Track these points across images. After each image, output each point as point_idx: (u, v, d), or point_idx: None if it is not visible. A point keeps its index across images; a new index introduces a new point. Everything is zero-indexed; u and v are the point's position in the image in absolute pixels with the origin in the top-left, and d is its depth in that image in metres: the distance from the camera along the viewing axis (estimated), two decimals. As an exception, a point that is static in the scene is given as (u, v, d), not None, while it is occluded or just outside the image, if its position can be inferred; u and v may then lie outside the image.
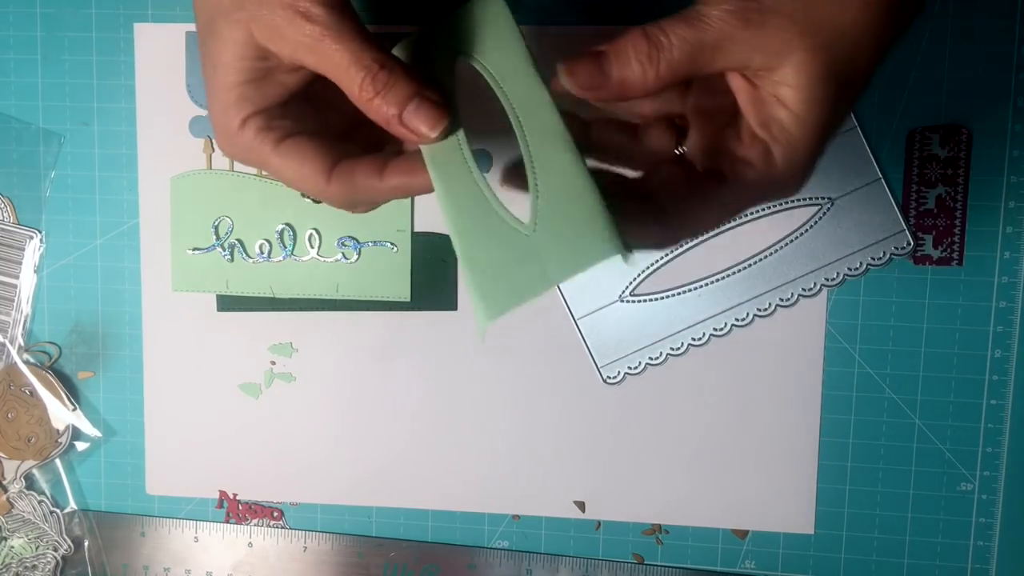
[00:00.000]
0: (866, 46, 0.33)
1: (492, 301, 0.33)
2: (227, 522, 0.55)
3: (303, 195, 0.40)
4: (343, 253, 0.52)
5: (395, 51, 0.38)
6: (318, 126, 0.39)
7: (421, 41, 0.38)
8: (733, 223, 0.50)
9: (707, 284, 0.51)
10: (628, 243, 0.34)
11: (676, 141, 0.38)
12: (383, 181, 0.37)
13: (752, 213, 0.50)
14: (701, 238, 0.50)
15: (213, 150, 0.52)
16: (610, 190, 0.34)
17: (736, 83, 0.35)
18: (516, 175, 0.36)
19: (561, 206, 0.34)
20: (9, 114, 0.53)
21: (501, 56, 0.36)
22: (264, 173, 0.51)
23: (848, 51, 0.33)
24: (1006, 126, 0.48)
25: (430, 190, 0.37)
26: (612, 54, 0.33)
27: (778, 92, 0.33)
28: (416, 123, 0.35)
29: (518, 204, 0.35)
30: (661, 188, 0.36)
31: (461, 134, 0.35)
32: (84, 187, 0.53)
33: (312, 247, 0.52)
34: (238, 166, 0.52)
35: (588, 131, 0.39)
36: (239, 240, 0.52)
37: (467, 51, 0.37)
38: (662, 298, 0.51)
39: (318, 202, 0.40)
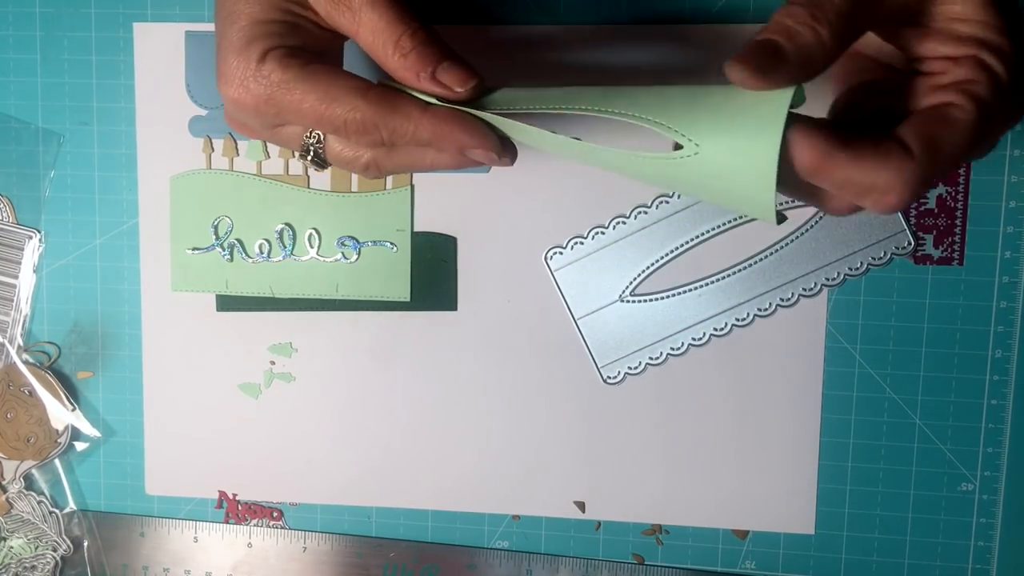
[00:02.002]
0: None
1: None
2: (227, 522, 0.55)
3: (311, 157, 0.38)
4: (343, 253, 0.51)
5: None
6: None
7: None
8: (737, 220, 0.50)
9: (707, 284, 0.50)
10: (875, 190, 0.31)
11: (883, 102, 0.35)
12: (424, 114, 0.35)
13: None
14: (701, 238, 0.50)
15: (213, 150, 0.52)
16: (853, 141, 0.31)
17: (909, 35, 0.33)
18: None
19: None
20: (9, 114, 0.53)
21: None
22: (264, 173, 0.51)
23: None
24: (1006, 126, 0.48)
25: (460, 150, 0.36)
26: (775, 33, 0.31)
27: (952, 12, 0.32)
28: (448, 78, 0.35)
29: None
30: (898, 134, 0.32)
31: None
32: (84, 187, 0.53)
33: (312, 247, 0.51)
34: (238, 165, 0.52)
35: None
36: (239, 240, 0.52)
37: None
38: (662, 298, 0.51)
39: (322, 167, 0.39)
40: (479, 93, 0.36)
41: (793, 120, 0.31)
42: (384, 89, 0.36)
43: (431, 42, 0.35)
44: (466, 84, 0.35)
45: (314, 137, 0.38)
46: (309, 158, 0.39)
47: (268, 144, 0.51)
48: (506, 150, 0.37)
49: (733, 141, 0.31)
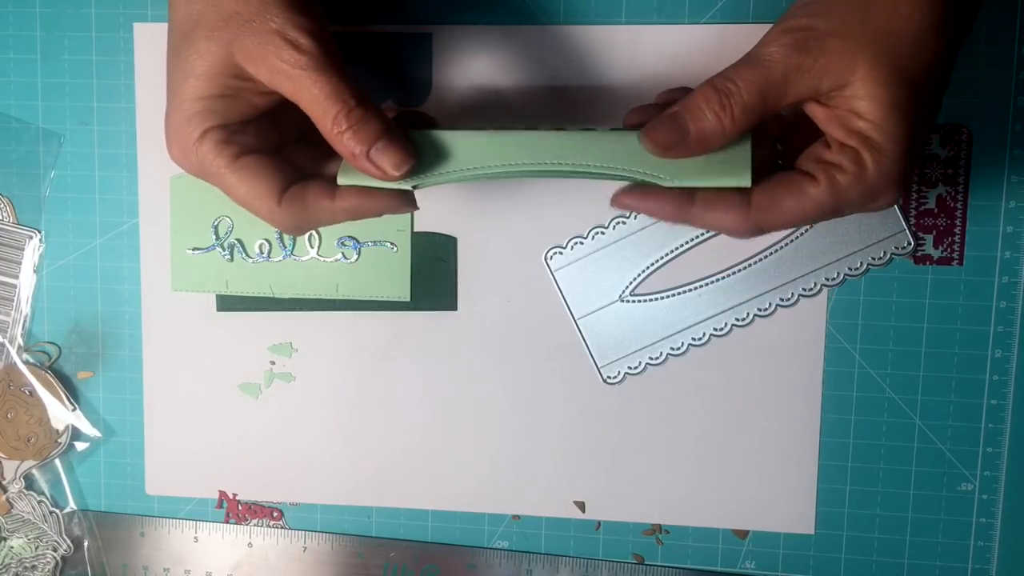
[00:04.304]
0: (929, 42, 0.33)
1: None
2: (227, 522, 0.55)
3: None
4: (343, 253, 0.52)
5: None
6: (274, 141, 0.39)
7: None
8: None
9: (707, 284, 0.50)
10: (711, 224, 0.37)
11: (776, 158, 0.39)
12: (334, 203, 0.38)
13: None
14: (701, 238, 0.50)
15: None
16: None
17: (812, 110, 0.36)
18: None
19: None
20: (9, 114, 0.53)
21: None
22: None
23: (911, 50, 0.33)
24: (1006, 126, 0.48)
25: (380, 213, 0.38)
26: (685, 111, 0.35)
27: (853, 107, 0.34)
28: (382, 161, 0.36)
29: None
30: (756, 182, 0.37)
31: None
32: (84, 187, 0.53)
33: (312, 247, 0.51)
34: (238, 166, 0.52)
35: None
36: (239, 240, 0.52)
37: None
38: (662, 298, 0.51)
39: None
40: (412, 173, 0.37)
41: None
42: (294, 194, 0.38)
43: (367, 120, 0.36)
44: (400, 168, 0.36)
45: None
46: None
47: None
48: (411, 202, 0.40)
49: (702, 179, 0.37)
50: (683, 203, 0.37)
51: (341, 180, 0.39)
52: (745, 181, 0.36)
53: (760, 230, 0.37)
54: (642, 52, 0.49)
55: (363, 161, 0.36)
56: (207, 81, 0.36)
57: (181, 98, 0.37)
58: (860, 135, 0.34)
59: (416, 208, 0.40)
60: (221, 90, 0.36)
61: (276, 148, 0.40)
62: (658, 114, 0.37)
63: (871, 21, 0.33)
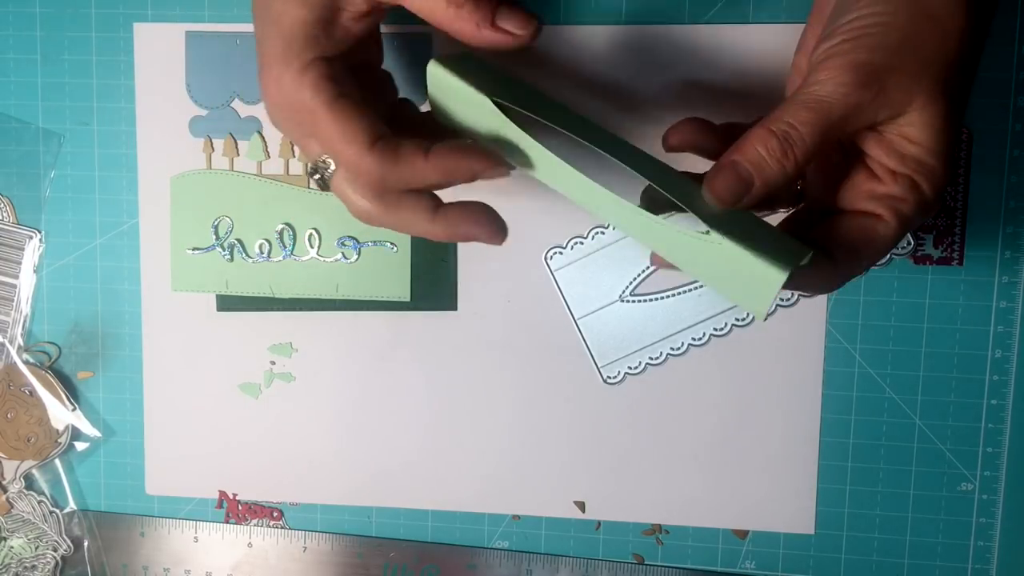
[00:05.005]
0: (967, 66, 0.34)
1: (753, 299, 0.35)
2: (227, 522, 0.55)
3: (317, 178, 0.39)
4: (343, 253, 0.52)
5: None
6: (373, 102, 0.38)
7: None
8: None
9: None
10: (801, 288, 0.36)
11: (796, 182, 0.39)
12: (428, 160, 0.36)
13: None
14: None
15: (213, 150, 0.52)
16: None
17: (860, 135, 0.36)
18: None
19: (738, 226, 0.35)
20: (9, 114, 0.53)
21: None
22: (264, 173, 0.51)
23: (956, 78, 0.34)
24: (1006, 126, 0.48)
25: (475, 175, 0.36)
26: (747, 161, 0.34)
27: (906, 133, 0.34)
28: (509, 24, 0.35)
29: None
30: (822, 233, 0.37)
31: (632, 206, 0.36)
32: (84, 187, 0.53)
33: (312, 247, 0.51)
34: (238, 165, 0.52)
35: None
36: (239, 240, 0.52)
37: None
38: (662, 298, 0.51)
39: (324, 190, 0.39)
40: (537, 35, 0.36)
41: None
42: (388, 142, 0.36)
43: None
44: (528, 26, 0.35)
45: (326, 163, 0.38)
46: (315, 178, 0.39)
47: (268, 144, 0.51)
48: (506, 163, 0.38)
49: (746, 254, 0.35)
50: None
51: (432, 88, 0.37)
52: (763, 308, 0.35)
53: (846, 281, 0.37)
54: (642, 52, 0.49)
55: (489, 31, 0.35)
56: (307, 7, 0.35)
57: (284, 27, 0.36)
58: (914, 160, 0.35)
59: (509, 171, 0.38)
60: (321, 12, 0.36)
61: (374, 106, 0.38)
62: (702, 131, 0.37)
63: (924, 53, 0.33)
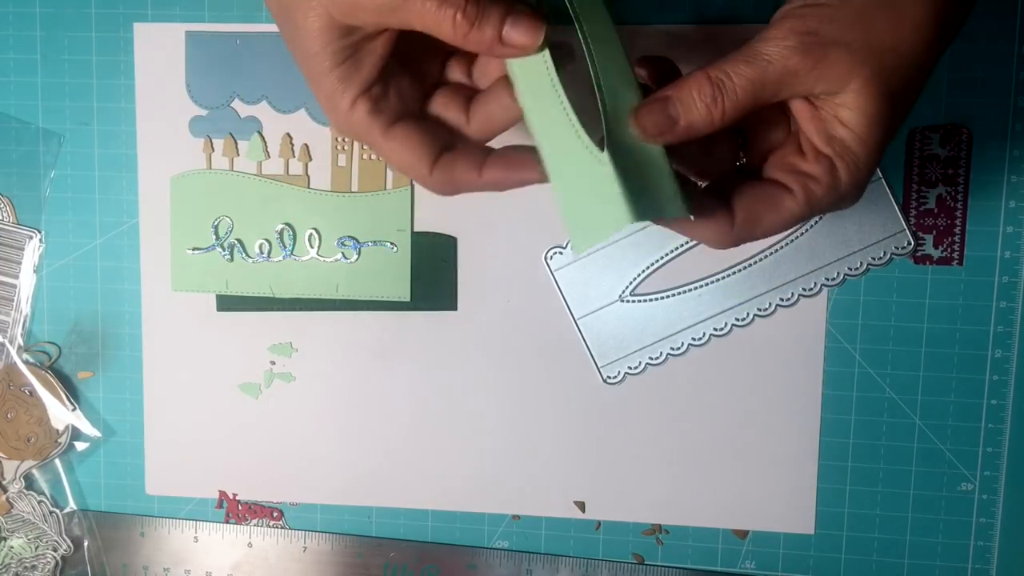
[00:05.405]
0: (920, 63, 0.34)
1: (583, 232, 0.35)
2: (227, 522, 0.55)
3: None
4: (343, 253, 0.52)
5: None
6: (419, 94, 0.40)
7: None
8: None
9: (707, 284, 0.51)
10: (695, 236, 0.37)
11: (738, 151, 0.40)
12: (481, 176, 0.38)
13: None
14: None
15: (213, 150, 0.52)
16: (686, 186, 0.36)
17: (796, 105, 0.36)
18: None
19: (629, 146, 0.35)
20: (9, 114, 0.53)
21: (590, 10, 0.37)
22: (264, 173, 0.51)
23: (904, 71, 0.34)
24: (1006, 126, 0.48)
25: (525, 183, 0.38)
26: (677, 99, 0.35)
27: (839, 114, 0.34)
28: (517, 38, 0.35)
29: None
30: (733, 192, 0.37)
31: (548, 55, 0.36)
32: (84, 187, 0.53)
33: (312, 247, 0.52)
34: (238, 165, 0.52)
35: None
36: (239, 240, 0.52)
37: None
38: (662, 298, 0.51)
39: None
40: (546, 39, 0.36)
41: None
42: (445, 161, 0.38)
43: (485, 10, 0.35)
44: (536, 36, 0.35)
45: None
46: None
47: (268, 144, 0.51)
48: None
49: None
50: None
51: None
52: (588, 243, 0.36)
53: (741, 242, 0.38)
54: (642, 52, 0.48)
55: (500, 48, 0.35)
56: (326, 54, 0.36)
57: (315, 77, 0.37)
58: (839, 143, 0.35)
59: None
60: (342, 55, 0.36)
61: (423, 104, 0.40)
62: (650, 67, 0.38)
63: (875, 35, 0.33)
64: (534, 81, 0.36)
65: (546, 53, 0.36)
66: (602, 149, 0.34)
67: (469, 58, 0.40)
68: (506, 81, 0.38)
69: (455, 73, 0.41)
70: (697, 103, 0.35)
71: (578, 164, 0.35)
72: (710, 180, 0.39)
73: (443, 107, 0.40)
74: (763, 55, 0.34)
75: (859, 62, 0.33)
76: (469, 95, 0.40)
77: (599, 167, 0.34)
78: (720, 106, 0.34)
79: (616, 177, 0.34)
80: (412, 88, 0.39)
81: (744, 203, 0.37)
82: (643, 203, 0.34)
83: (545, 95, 0.36)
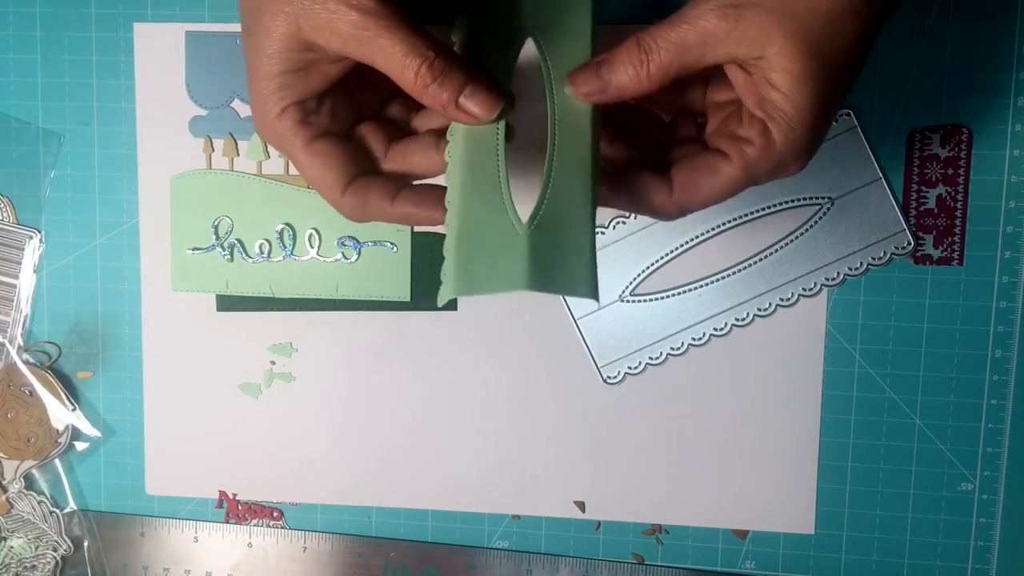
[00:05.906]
0: (846, 24, 0.34)
1: (464, 279, 0.36)
2: (227, 522, 0.55)
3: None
4: (343, 253, 0.52)
5: (455, 24, 0.40)
6: (350, 119, 0.40)
7: (478, 15, 0.40)
8: (736, 220, 0.50)
9: (707, 284, 0.51)
10: (637, 207, 0.38)
11: (700, 133, 0.41)
12: (393, 206, 0.39)
13: (753, 212, 0.50)
14: (701, 238, 0.50)
15: (213, 150, 0.52)
16: (632, 160, 0.38)
17: (733, 72, 0.37)
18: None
19: (559, 225, 0.36)
20: (9, 114, 0.53)
21: (565, 43, 0.39)
22: (264, 173, 0.52)
23: (826, 28, 0.34)
24: (1006, 126, 0.48)
25: (435, 223, 0.39)
26: (607, 62, 0.37)
27: (768, 76, 0.35)
28: (472, 107, 0.36)
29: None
30: (674, 163, 0.39)
31: (502, 126, 0.38)
32: (84, 187, 0.53)
33: (312, 247, 0.52)
34: (238, 165, 0.52)
35: (630, 117, 0.42)
36: (239, 240, 0.52)
37: (531, 27, 0.39)
38: (662, 298, 0.51)
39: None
40: (504, 115, 0.37)
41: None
42: (358, 189, 0.39)
43: (450, 70, 0.36)
44: (491, 111, 0.36)
45: None
46: None
47: (269, 144, 0.51)
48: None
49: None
50: (611, 187, 0.38)
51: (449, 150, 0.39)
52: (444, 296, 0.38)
53: (684, 211, 0.39)
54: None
55: (453, 110, 0.36)
56: (280, 59, 0.37)
57: (258, 77, 0.37)
58: (770, 104, 0.36)
59: None
60: (294, 65, 0.37)
61: (350, 127, 0.41)
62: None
63: None
64: (478, 140, 0.37)
65: (501, 124, 0.37)
66: (528, 227, 0.36)
67: (415, 103, 0.40)
68: (438, 135, 0.39)
69: (394, 111, 0.42)
70: (626, 68, 0.36)
71: (492, 228, 0.36)
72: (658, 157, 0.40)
73: (367, 132, 0.41)
74: (686, 19, 0.35)
75: (775, 23, 0.34)
76: (396, 133, 0.41)
77: (515, 237, 0.36)
78: (646, 71, 0.36)
79: (528, 253, 0.35)
80: (346, 111, 0.40)
81: (683, 172, 0.38)
82: (547, 279, 0.35)
83: (483, 158, 0.37)
